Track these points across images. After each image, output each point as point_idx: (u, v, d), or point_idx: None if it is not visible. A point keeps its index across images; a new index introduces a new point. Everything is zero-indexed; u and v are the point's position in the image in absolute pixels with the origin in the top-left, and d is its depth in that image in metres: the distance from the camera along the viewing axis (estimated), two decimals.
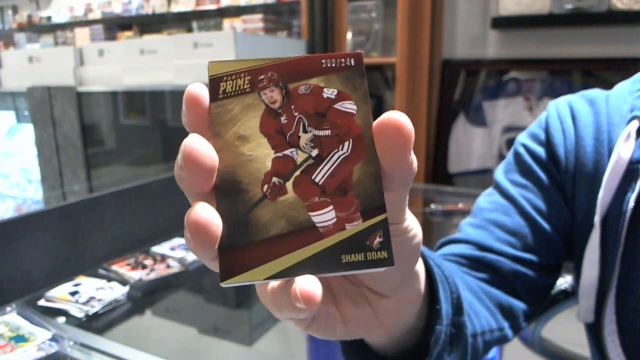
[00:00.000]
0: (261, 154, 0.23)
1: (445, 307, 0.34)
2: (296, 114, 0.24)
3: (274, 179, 0.22)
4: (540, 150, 0.52)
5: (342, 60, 0.25)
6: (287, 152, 0.23)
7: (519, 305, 0.50)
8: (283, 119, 0.23)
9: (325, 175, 0.23)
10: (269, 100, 0.24)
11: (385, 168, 0.22)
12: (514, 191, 0.52)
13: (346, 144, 0.23)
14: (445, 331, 0.35)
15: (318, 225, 0.22)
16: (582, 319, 0.49)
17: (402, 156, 0.22)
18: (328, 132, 0.23)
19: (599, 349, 0.49)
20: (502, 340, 0.48)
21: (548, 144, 0.51)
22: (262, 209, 0.22)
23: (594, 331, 0.49)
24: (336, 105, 0.24)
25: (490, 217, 0.52)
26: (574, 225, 0.50)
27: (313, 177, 0.23)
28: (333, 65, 0.25)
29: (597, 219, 0.46)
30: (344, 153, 0.23)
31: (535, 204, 0.51)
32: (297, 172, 0.23)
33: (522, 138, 0.55)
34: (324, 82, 0.24)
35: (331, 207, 0.22)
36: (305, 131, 0.23)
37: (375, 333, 0.31)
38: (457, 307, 0.36)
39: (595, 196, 0.46)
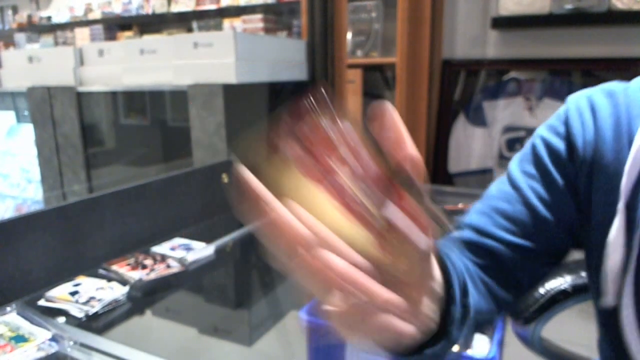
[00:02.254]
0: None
1: (457, 291, 0.40)
2: None
3: None
4: (557, 142, 0.53)
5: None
6: None
7: (504, 295, 0.54)
8: None
9: None
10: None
11: None
12: (521, 181, 0.54)
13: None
14: (458, 311, 0.41)
15: None
16: (606, 303, 0.50)
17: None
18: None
19: (615, 334, 0.50)
20: (490, 322, 0.57)
21: (567, 136, 0.53)
22: None
23: (611, 316, 0.50)
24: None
25: (494, 204, 0.55)
26: (586, 215, 0.52)
27: None
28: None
29: (621, 204, 0.47)
30: None
31: (540, 193, 0.53)
32: None
33: (541, 130, 0.56)
34: None
35: None
36: None
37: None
38: (464, 290, 0.43)
39: (615, 185, 0.48)
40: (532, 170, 0.55)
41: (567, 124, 0.53)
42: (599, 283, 0.50)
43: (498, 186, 0.57)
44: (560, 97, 1.86)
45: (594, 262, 0.52)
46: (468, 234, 0.55)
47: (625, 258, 0.48)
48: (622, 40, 1.76)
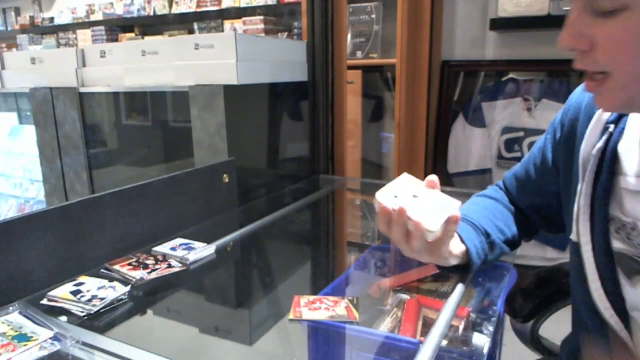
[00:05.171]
0: None
1: (474, 253, 0.74)
2: None
3: None
4: (557, 121, 0.77)
5: None
6: None
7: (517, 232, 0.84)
8: None
9: None
10: None
11: None
12: (531, 152, 0.84)
13: None
14: (483, 244, 0.77)
15: None
16: (576, 238, 0.66)
17: None
18: None
19: (579, 266, 0.65)
20: (513, 245, 0.84)
21: (562, 114, 0.75)
22: None
23: (578, 250, 0.66)
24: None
25: (515, 172, 0.89)
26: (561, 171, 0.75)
27: None
28: None
29: (580, 161, 0.65)
30: None
31: (537, 154, 0.82)
32: None
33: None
34: None
35: None
36: None
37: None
38: (486, 234, 0.78)
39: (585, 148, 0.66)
40: (540, 141, 0.82)
41: (567, 103, 0.76)
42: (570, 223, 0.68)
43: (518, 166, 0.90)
44: (559, 97, 1.86)
45: (565, 208, 0.73)
46: (503, 196, 0.90)
47: (584, 204, 0.64)
48: None
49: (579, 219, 0.64)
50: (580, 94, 0.72)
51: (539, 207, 0.84)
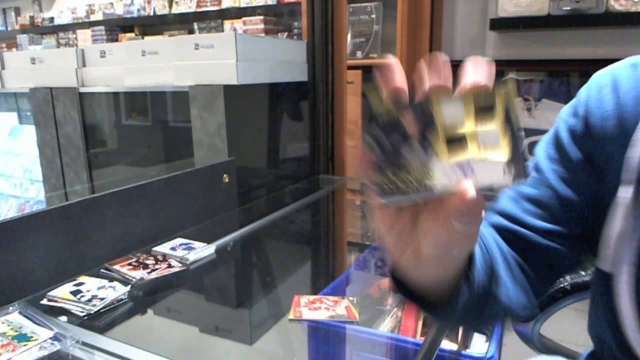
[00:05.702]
0: None
1: (474, 275, 0.43)
2: None
3: None
4: (575, 122, 0.54)
5: None
6: None
7: (536, 281, 0.55)
8: None
9: None
10: None
11: None
12: (544, 164, 0.56)
13: None
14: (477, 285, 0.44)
15: None
16: (607, 267, 0.51)
17: None
18: None
19: (608, 298, 0.51)
20: (530, 317, 0.58)
21: (585, 114, 0.54)
22: None
23: (606, 283, 0.51)
24: None
25: (521, 189, 0.57)
26: (604, 186, 0.52)
27: None
28: None
29: (631, 174, 0.48)
30: None
31: (561, 173, 0.54)
32: None
33: (562, 112, 0.58)
34: None
35: None
36: None
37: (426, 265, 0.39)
38: (490, 276, 0.47)
39: (632, 155, 0.48)
40: (553, 152, 0.56)
41: (586, 103, 0.54)
42: (601, 247, 0.51)
43: None
44: (559, 97, 1.86)
45: (601, 226, 0.52)
46: (499, 220, 0.57)
47: (631, 227, 0.48)
48: (620, 41, 1.77)
49: (619, 242, 0.49)
50: (603, 76, 0.55)
51: (558, 234, 0.56)
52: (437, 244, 0.35)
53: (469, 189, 0.30)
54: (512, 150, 0.30)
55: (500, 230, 0.56)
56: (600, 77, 0.55)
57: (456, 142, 0.30)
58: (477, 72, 0.33)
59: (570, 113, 0.56)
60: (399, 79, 0.32)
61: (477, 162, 0.30)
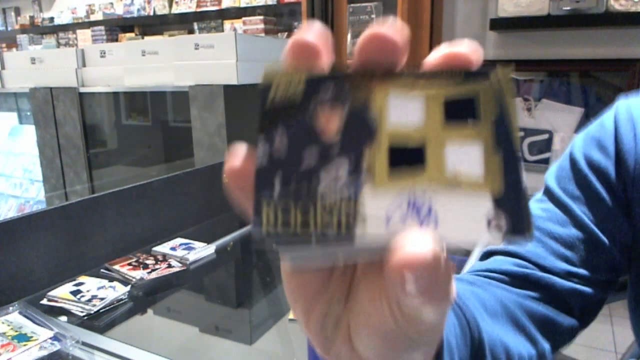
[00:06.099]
0: None
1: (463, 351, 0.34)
2: None
3: None
4: (602, 160, 0.47)
5: None
6: None
7: (569, 321, 0.46)
8: None
9: None
10: None
11: None
12: (568, 201, 0.48)
13: None
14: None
15: None
16: None
17: None
18: None
19: None
20: None
21: (617, 152, 0.46)
22: None
23: None
24: None
25: (545, 227, 0.48)
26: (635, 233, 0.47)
27: None
28: None
29: None
30: None
31: (592, 216, 0.47)
32: None
33: (580, 142, 0.50)
34: None
35: None
36: None
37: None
38: (478, 349, 0.36)
39: None
40: (576, 191, 0.48)
41: (616, 138, 0.46)
42: None
43: (541, 205, 0.50)
44: (559, 97, 1.87)
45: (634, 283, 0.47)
46: (513, 267, 0.47)
47: None
48: (620, 41, 1.77)
49: None
50: (636, 107, 0.47)
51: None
52: (378, 342, 0.19)
53: (424, 243, 0.15)
54: (506, 181, 0.16)
55: (511, 276, 0.46)
56: (631, 107, 0.47)
57: (407, 156, 0.16)
58: (455, 47, 0.18)
59: (592, 145, 0.48)
60: (320, 41, 0.17)
61: (443, 197, 0.16)
